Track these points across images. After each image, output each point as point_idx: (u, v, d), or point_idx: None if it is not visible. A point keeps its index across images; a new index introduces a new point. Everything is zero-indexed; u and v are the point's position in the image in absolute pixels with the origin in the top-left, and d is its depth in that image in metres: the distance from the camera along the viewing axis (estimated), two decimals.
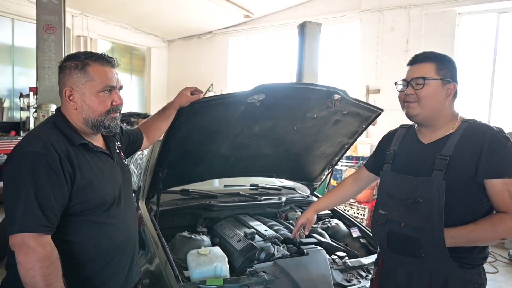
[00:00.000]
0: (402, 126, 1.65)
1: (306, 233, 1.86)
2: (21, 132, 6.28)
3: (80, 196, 1.21)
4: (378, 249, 1.64)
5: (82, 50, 7.93)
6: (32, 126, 5.93)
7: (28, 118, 6.12)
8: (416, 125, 1.54)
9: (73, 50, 7.72)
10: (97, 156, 1.32)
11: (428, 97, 1.39)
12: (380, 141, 1.73)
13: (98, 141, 1.37)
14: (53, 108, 4.36)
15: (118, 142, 1.48)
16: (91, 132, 1.32)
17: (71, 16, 7.45)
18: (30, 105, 6.04)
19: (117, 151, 1.44)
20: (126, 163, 1.47)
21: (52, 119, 1.30)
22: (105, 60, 1.29)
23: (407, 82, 1.44)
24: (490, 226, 1.29)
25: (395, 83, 1.51)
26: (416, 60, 1.45)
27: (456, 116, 1.44)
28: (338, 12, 7.12)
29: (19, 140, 1.27)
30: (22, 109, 6.55)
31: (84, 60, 1.26)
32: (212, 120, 1.95)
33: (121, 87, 1.34)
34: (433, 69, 1.39)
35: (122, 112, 1.39)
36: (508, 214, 1.28)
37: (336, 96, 1.99)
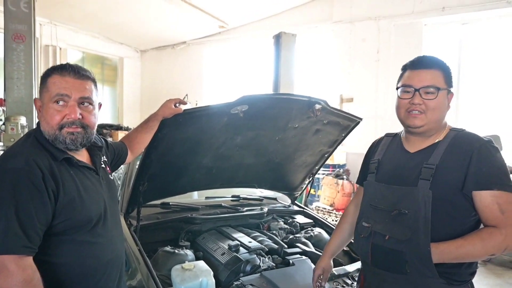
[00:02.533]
0: (387, 135, 1.56)
1: (324, 284, 1.68)
2: None
3: (64, 214, 1.16)
4: (360, 264, 1.57)
5: (50, 60, 7.68)
6: None
7: None
8: (403, 133, 1.47)
9: (41, 60, 7.46)
10: (81, 172, 1.26)
11: (436, 109, 1.30)
12: (366, 152, 1.63)
13: (82, 156, 1.32)
14: (22, 120, 4.18)
15: (104, 157, 1.43)
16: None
17: (39, 24, 7.21)
18: None
19: (103, 165, 1.38)
20: (112, 178, 1.43)
21: (33, 134, 1.24)
22: (66, 69, 1.21)
23: (414, 90, 1.31)
24: (479, 242, 1.22)
25: (397, 88, 1.39)
26: (423, 64, 1.33)
27: (445, 125, 1.38)
28: (311, 23, 7.29)
29: None
30: None
31: (48, 71, 1.23)
32: (195, 132, 1.94)
33: (86, 100, 1.23)
34: (441, 77, 1.31)
35: None
36: (498, 229, 1.21)
37: (318, 106, 2.02)
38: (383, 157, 1.48)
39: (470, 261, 1.29)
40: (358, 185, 1.68)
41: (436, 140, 1.34)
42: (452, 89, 1.36)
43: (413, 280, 1.28)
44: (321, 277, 1.66)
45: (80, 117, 1.22)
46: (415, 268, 1.25)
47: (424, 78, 1.31)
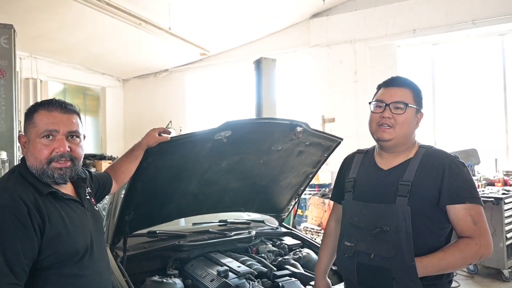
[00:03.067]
0: (358, 152, 1.63)
1: None
2: None
3: (50, 248, 1.15)
4: (344, 284, 1.59)
5: (31, 93, 7.62)
6: None
7: None
8: (375, 150, 1.54)
9: (22, 93, 7.40)
10: (66, 204, 1.26)
11: (404, 124, 1.39)
12: (339, 169, 1.69)
13: (67, 188, 1.32)
14: (3, 155, 4.10)
15: (89, 188, 1.43)
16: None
17: (19, 58, 7.19)
18: None
19: (88, 197, 1.39)
20: (97, 209, 1.43)
21: (17, 170, 1.25)
22: (52, 105, 1.24)
23: (385, 104, 1.41)
24: (458, 252, 1.29)
25: (369, 103, 1.49)
26: (395, 83, 1.45)
27: (414, 142, 1.47)
28: (290, 48, 7.52)
29: None
30: None
31: (34, 107, 1.26)
32: (180, 159, 1.96)
33: (74, 133, 1.26)
34: (411, 96, 1.41)
35: None
36: (473, 239, 1.29)
37: (299, 129, 2.08)
38: (358, 175, 1.53)
39: (451, 271, 1.36)
40: (333, 202, 1.73)
41: (408, 157, 1.43)
42: (422, 110, 1.46)
43: None
44: None
45: (69, 149, 1.24)
46: (402, 284, 1.28)
47: (395, 94, 1.42)
